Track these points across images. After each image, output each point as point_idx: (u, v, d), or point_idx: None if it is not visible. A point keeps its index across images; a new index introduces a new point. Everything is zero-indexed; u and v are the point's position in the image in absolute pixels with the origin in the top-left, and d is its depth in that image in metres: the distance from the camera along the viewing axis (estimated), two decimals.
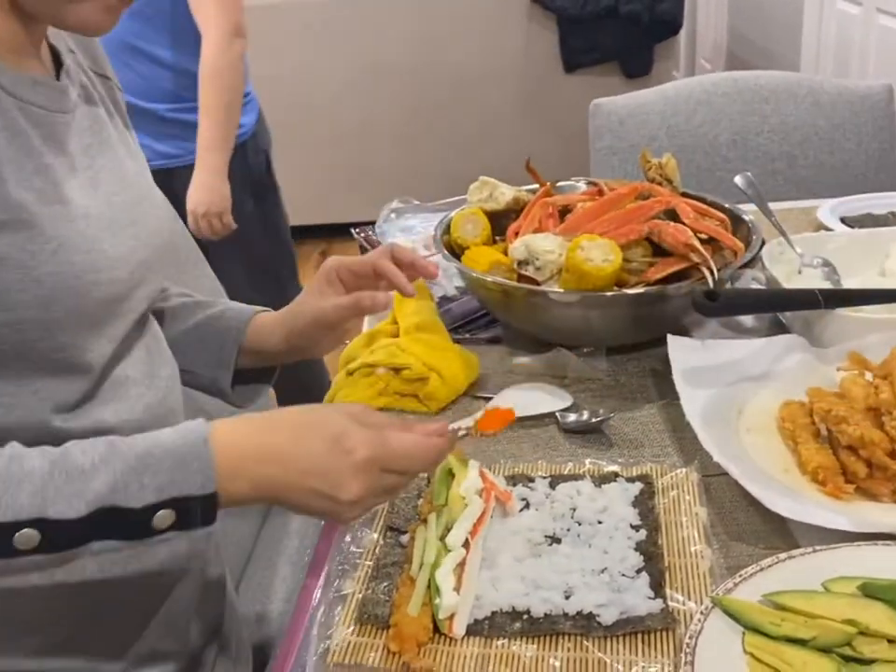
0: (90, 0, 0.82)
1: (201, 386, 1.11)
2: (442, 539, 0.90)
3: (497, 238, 1.43)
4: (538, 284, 1.26)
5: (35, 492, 0.72)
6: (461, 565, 0.88)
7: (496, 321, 1.41)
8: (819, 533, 0.90)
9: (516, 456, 1.11)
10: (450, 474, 0.99)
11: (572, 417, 1.17)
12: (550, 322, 1.29)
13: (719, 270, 1.21)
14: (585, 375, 1.26)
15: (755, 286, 1.37)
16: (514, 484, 1.03)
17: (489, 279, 1.27)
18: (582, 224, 1.31)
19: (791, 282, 1.32)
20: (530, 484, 1.03)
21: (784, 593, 0.82)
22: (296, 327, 1.08)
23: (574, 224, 1.32)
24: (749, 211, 1.41)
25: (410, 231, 1.71)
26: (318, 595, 0.91)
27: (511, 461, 1.09)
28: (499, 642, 0.83)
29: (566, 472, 1.06)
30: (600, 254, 1.20)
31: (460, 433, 0.99)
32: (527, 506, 0.99)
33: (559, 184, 1.52)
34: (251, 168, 2.31)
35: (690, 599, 0.85)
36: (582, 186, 1.53)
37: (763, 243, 1.32)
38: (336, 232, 3.97)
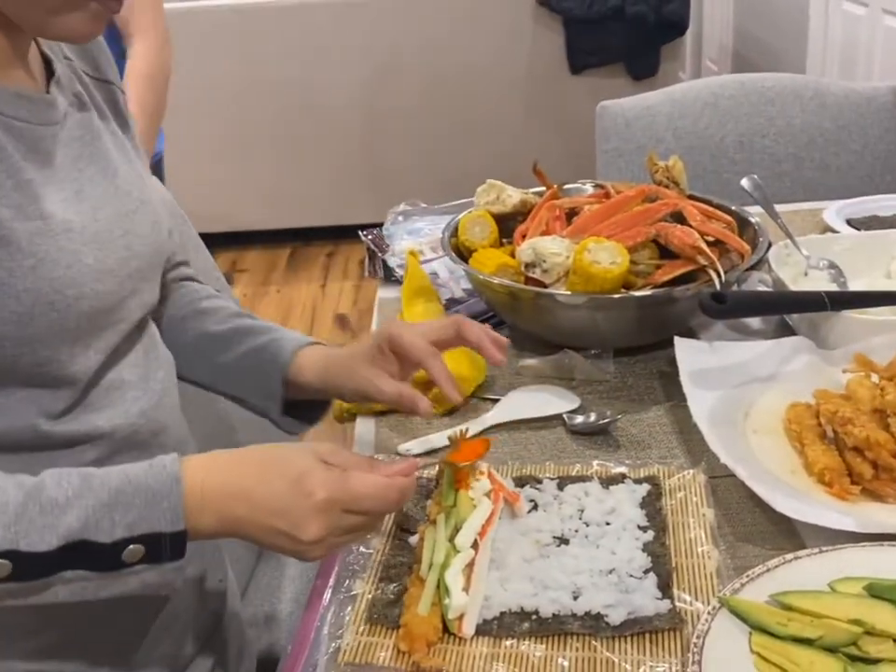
0: (75, 10, 0.82)
1: (254, 412, 1.10)
2: (451, 539, 0.91)
3: (505, 241, 1.44)
4: (545, 286, 1.27)
5: (7, 524, 0.74)
6: (470, 565, 0.88)
7: (503, 323, 1.41)
8: (826, 534, 0.91)
9: (524, 458, 1.12)
10: (457, 473, 1.00)
11: (580, 419, 1.18)
12: (557, 324, 1.30)
13: (725, 272, 1.22)
14: (592, 377, 1.27)
15: (762, 288, 1.37)
16: (522, 486, 1.03)
17: (496, 281, 1.28)
18: (590, 226, 1.31)
19: (797, 284, 1.33)
20: (538, 486, 1.03)
21: (791, 593, 0.83)
22: (335, 379, 1.04)
23: (581, 226, 1.32)
24: (755, 213, 1.41)
25: (417, 234, 1.71)
26: (328, 596, 0.92)
27: (518, 462, 1.09)
28: (508, 642, 0.84)
29: (573, 474, 1.06)
30: (607, 256, 1.21)
31: (424, 473, 1.02)
32: (535, 507, 1.00)
33: (566, 186, 1.52)
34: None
35: (697, 599, 0.86)
36: (589, 188, 1.54)
37: (770, 245, 1.33)
38: (343, 234, 3.98)
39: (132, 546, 0.76)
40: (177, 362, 1.09)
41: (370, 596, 0.90)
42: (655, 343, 1.31)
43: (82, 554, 0.75)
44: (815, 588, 0.84)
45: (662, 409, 1.20)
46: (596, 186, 1.53)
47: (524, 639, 0.84)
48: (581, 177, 1.58)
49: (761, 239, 1.32)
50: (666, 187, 1.42)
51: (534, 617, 0.85)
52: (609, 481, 1.03)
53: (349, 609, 0.89)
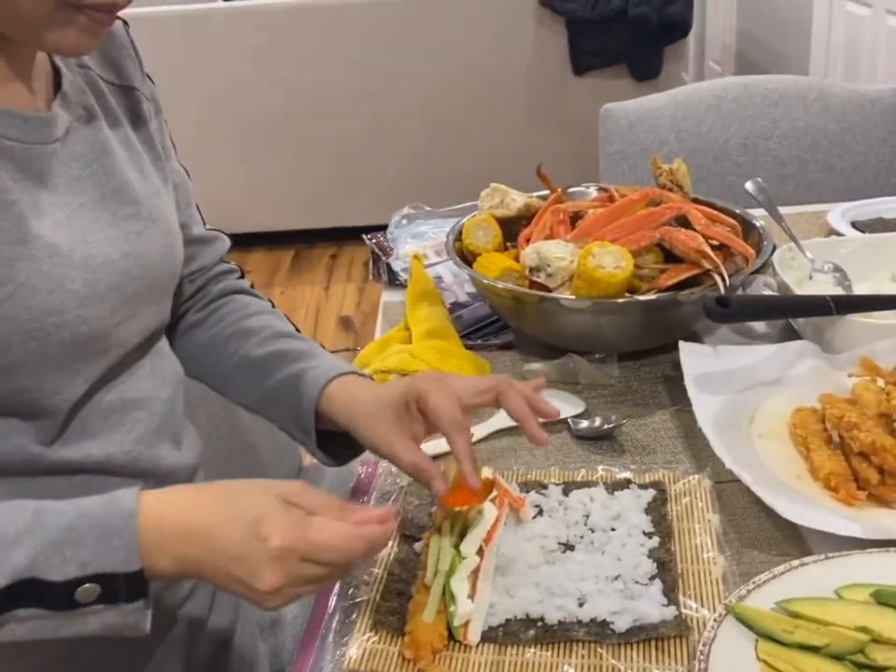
0: (65, 25, 0.80)
1: (297, 440, 1.04)
2: (456, 546, 0.91)
3: (509, 244, 1.43)
4: (549, 290, 1.27)
5: None
6: (475, 572, 0.88)
7: (507, 327, 1.41)
8: (832, 540, 0.91)
9: (529, 463, 1.12)
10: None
11: (584, 424, 1.18)
12: (561, 328, 1.30)
13: (730, 276, 1.21)
14: (597, 381, 1.27)
15: (766, 291, 1.37)
16: (527, 491, 1.03)
17: (500, 286, 1.28)
18: (594, 230, 1.31)
19: (802, 287, 1.32)
20: (543, 491, 1.03)
21: (797, 600, 0.83)
22: (357, 426, 0.97)
23: (585, 230, 1.32)
24: (759, 216, 1.41)
25: (421, 238, 1.71)
26: (333, 603, 0.92)
27: (523, 468, 1.09)
28: (514, 649, 0.84)
29: (578, 479, 1.06)
30: (612, 260, 1.20)
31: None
32: (541, 513, 1.00)
33: (570, 190, 1.52)
34: None
35: (703, 606, 0.86)
36: (593, 192, 1.54)
37: (774, 248, 1.32)
38: (347, 236, 3.99)
39: (86, 585, 0.72)
40: (223, 384, 1.08)
41: (375, 604, 0.90)
42: (660, 347, 1.31)
43: (33, 593, 0.72)
44: (821, 595, 0.83)
45: (667, 413, 1.20)
46: (600, 189, 1.53)
47: (529, 647, 0.84)
48: (585, 180, 1.58)
49: (765, 242, 1.32)
50: (670, 190, 1.42)
51: (539, 624, 0.85)
52: (614, 486, 1.03)
53: (354, 615, 0.89)
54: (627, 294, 1.23)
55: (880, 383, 1.09)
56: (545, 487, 1.04)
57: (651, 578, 0.89)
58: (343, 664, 0.84)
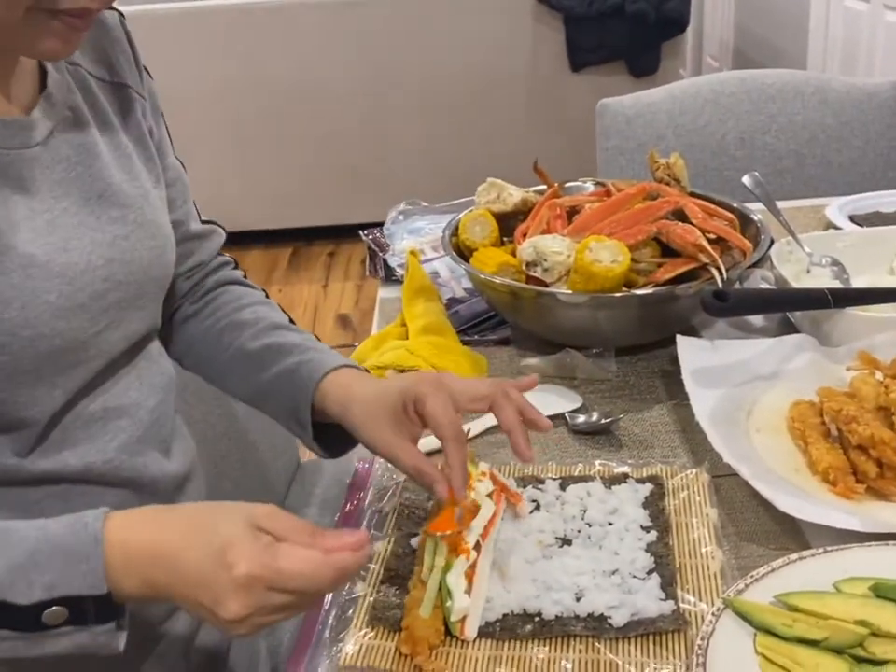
0: (42, 31, 0.78)
1: (293, 433, 1.03)
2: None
3: (505, 239, 1.43)
4: (546, 285, 1.26)
5: None
6: (472, 567, 0.88)
7: (504, 323, 1.41)
8: (831, 533, 0.90)
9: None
10: None
11: (582, 418, 1.17)
12: (558, 323, 1.29)
13: (727, 270, 1.21)
14: (594, 376, 1.26)
15: (764, 285, 1.37)
16: (524, 486, 1.03)
17: (497, 281, 1.28)
18: (591, 225, 1.31)
19: (799, 281, 1.32)
20: (540, 486, 1.03)
21: (795, 593, 0.82)
22: (353, 426, 0.95)
23: (582, 225, 1.32)
24: (757, 210, 1.40)
25: (418, 233, 1.70)
26: (330, 598, 0.91)
27: (520, 463, 1.08)
28: (511, 644, 0.83)
29: (576, 474, 1.06)
30: (609, 255, 1.20)
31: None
32: (538, 507, 0.99)
33: (567, 185, 1.52)
34: None
35: (701, 600, 0.85)
36: (590, 186, 1.53)
37: (772, 242, 1.32)
38: (345, 233, 3.98)
39: (53, 608, 0.71)
40: (218, 377, 1.07)
41: (371, 599, 0.89)
42: (657, 341, 1.31)
43: (1, 615, 0.71)
44: (820, 588, 0.83)
45: (664, 408, 1.20)
46: (597, 184, 1.53)
47: (526, 642, 0.83)
48: (582, 175, 1.57)
49: (763, 236, 1.31)
50: (667, 184, 1.41)
51: (537, 619, 0.85)
52: (611, 481, 1.03)
53: (351, 611, 0.88)
54: (624, 288, 1.23)
55: (878, 376, 1.09)
56: (542, 482, 1.03)
57: (649, 572, 0.89)
58: (339, 660, 0.83)
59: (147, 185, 0.97)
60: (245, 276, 1.16)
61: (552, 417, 1.16)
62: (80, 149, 0.89)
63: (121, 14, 0.99)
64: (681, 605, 0.85)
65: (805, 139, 2.08)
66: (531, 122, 4.03)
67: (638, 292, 1.23)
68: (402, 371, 1.25)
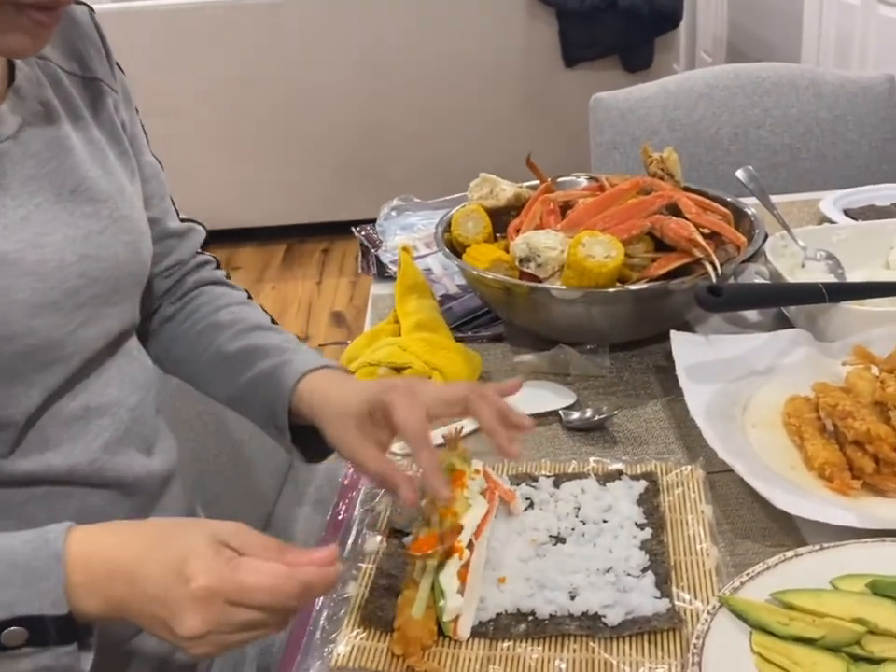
0: (9, 27, 0.76)
1: (271, 437, 1.02)
2: None
3: (499, 235, 1.42)
4: (539, 281, 1.25)
5: None
6: (465, 566, 0.87)
7: (498, 319, 1.40)
8: (827, 530, 0.90)
9: (519, 455, 1.10)
10: (452, 472, 0.98)
11: (576, 415, 1.16)
12: (552, 319, 1.28)
13: (721, 264, 1.20)
14: (588, 372, 1.25)
15: (758, 280, 1.36)
16: (518, 484, 1.02)
17: (490, 277, 1.27)
18: (584, 220, 1.30)
19: (794, 276, 1.31)
20: (534, 483, 1.02)
21: (792, 591, 0.81)
22: (322, 427, 0.94)
23: (575, 220, 1.31)
24: (751, 204, 1.40)
25: (410, 229, 1.70)
26: (322, 599, 0.90)
27: (514, 460, 1.08)
28: (504, 644, 0.82)
29: (570, 471, 1.05)
30: (602, 250, 1.19)
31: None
32: (531, 505, 0.99)
33: (560, 180, 1.51)
34: None
35: (696, 598, 0.85)
36: (583, 181, 1.52)
37: (766, 236, 1.31)
38: (338, 230, 3.97)
39: (12, 628, 0.69)
40: (198, 379, 1.06)
41: (363, 599, 0.88)
42: (651, 337, 1.30)
43: None
44: (816, 585, 0.82)
45: (659, 404, 1.19)
46: (591, 179, 1.52)
47: (520, 641, 0.82)
48: (576, 170, 1.56)
49: (757, 230, 1.30)
50: (661, 179, 1.40)
51: (530, 618, 0.84)
52: (605, 477, 1.02)
53: (343, 612, 0.87)
54: (618, 284, 1.22)
55: (874, 371, 1.08)
56: (536, 479, 1.02)
57: (644, 570, 0.88)
58: (331, 661, 0.82)
59: (123, 180, 0.95)
60: (227, 276, 1.15)
61: (545, 414, 1.17)
62: (52, 144, 0.88)
63: (91, 8, 0.98)
64: (676, 603, 0.84)
65: (799, 133, 2.07)
66: (525, 117, 4.02)
67: (632, 287, 1.22)
68: (395, 367, 1.24)
